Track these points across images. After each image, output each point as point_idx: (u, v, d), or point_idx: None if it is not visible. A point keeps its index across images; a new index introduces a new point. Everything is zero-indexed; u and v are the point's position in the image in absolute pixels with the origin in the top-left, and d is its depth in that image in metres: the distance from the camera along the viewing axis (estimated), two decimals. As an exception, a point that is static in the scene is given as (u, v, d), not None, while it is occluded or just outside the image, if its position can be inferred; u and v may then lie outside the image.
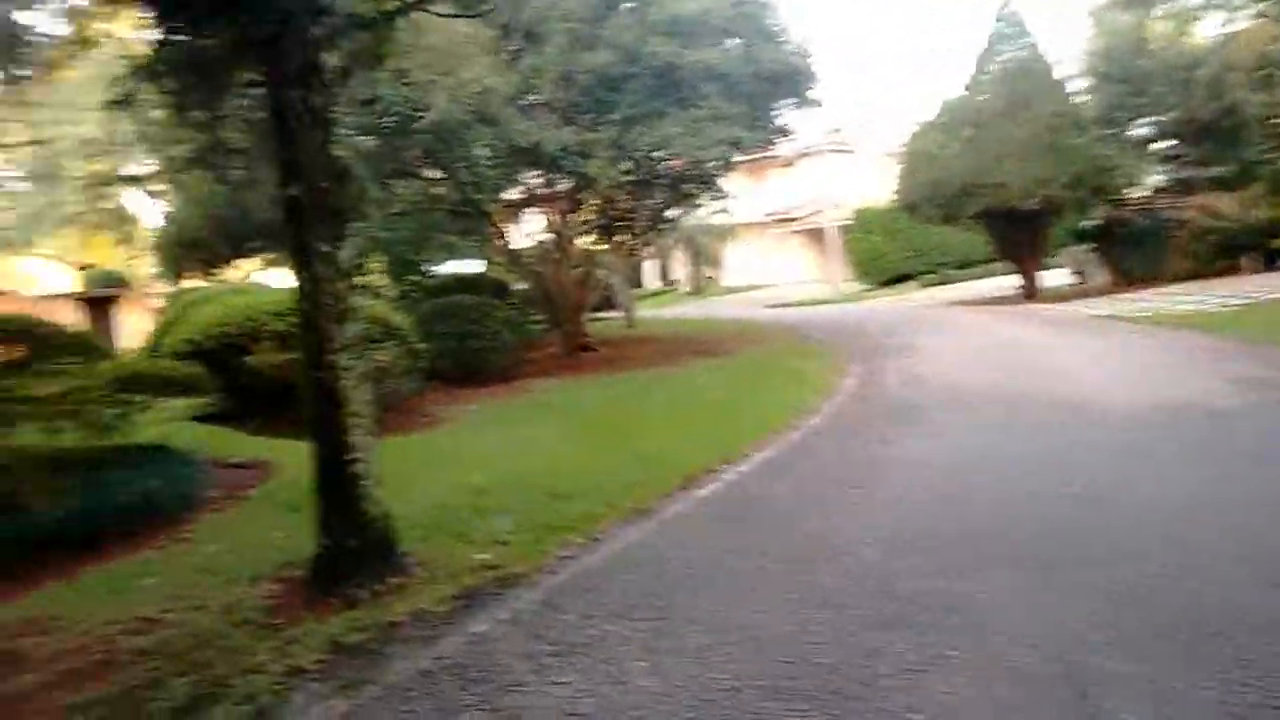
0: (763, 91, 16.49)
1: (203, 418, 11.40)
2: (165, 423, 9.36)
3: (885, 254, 33.19)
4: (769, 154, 37.15)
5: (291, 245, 5.18)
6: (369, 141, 14.02)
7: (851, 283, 34.28)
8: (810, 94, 17.90)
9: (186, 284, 16.31)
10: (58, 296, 32.86)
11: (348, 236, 5.30)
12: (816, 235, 38.77)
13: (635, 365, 15.56)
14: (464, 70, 13.59)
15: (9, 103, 22.83)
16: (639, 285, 39.80)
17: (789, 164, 38.97)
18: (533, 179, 17.27)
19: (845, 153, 38.97)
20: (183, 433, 10.17)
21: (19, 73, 18.19)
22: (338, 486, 5.18)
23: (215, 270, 16.35)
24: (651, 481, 7.14)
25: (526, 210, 19.90)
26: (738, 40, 16.36)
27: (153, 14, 5.88)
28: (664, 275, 42.78)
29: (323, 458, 5.23)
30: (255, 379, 10.80)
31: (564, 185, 17.56)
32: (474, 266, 19.08)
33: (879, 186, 35.32)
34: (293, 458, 9.43)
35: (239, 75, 5.78)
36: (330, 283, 5.10)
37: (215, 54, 5.44)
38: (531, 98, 15.52)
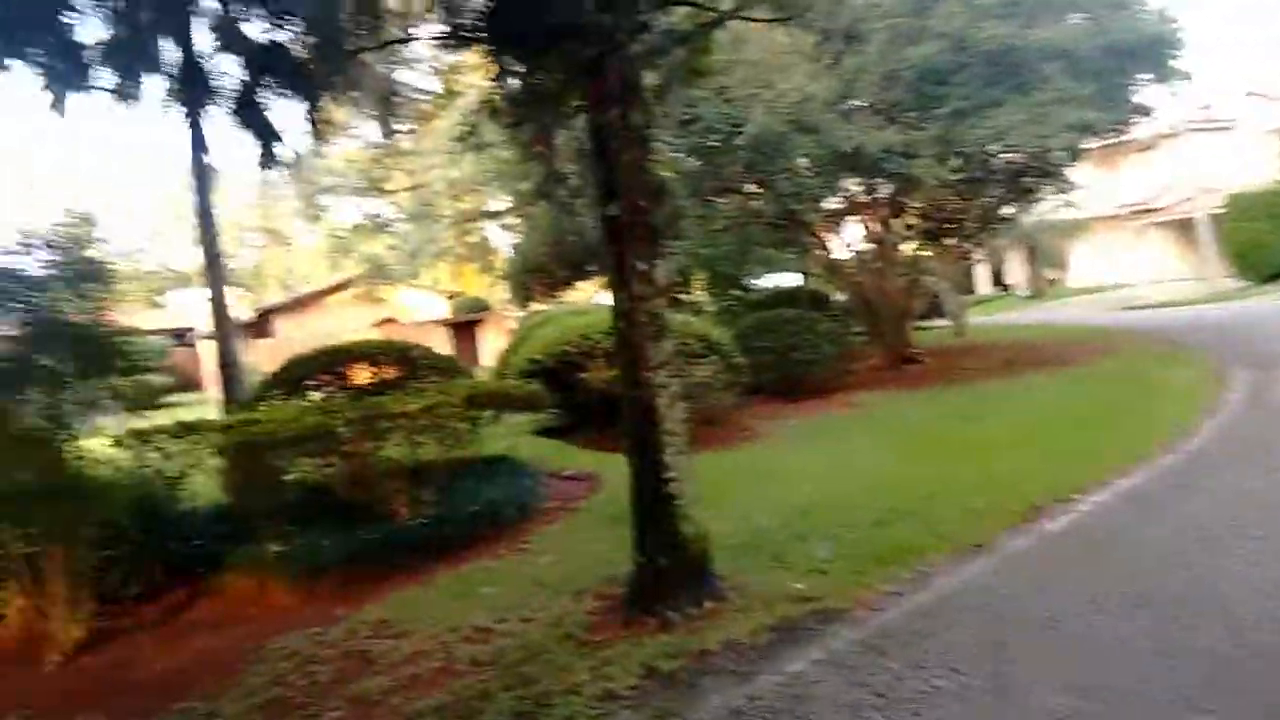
0: (1115, 67, 14.59)
1: (543, 431, 12.29)
2: (508, 437, 10.13)
3: (1271, 244, 28.01)
4: (1123, 138, 33.30)
5: (611, 264, 5.24)
6: (690, 161, 14.37)
7: (1228, 279, 29.43)
8: (1174, 65, 15.57)
9: (536, 307, 17.75)
10: (431, 322, 37.60)
11: (666, 254, 5.27)
12: (1183, 226, 33.80)
13: (966, 377, 14.41)
14: (782, 80, 13.46)
15: (391, 152, 26.40)
16: (970, 291, 37.28)
17: (1148, 147, 34.41)
18: (854, 185, 16.71)
19: (1220, 130, 33.72)
20: (523, 446, 10.96)
21: (396, 125, 20.96)
22: (653, 505, 5.14)
23: (558, 293, 17.64)
24: (989, 510, 6.41)
25: (847, 218, 19.29)
26: (1081, 16, 14.66)
27: (492, 50, 6.31)
28: (998, 279, 39.72)
29: (639, 475, 5.23)
30: (588, 395, 11.37)
31: (886, 190, 16.84)
32: (793, 279, 18.92)
33: (1262, 167, 30.20)
34: (619, 470, 9.80)
35: (567, 102, 6.03)
36: (646, 301, 5.09)
37: (546, 84, 5.67)
38: (852, 101, 15.02)
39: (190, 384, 40.86)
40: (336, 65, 10.65)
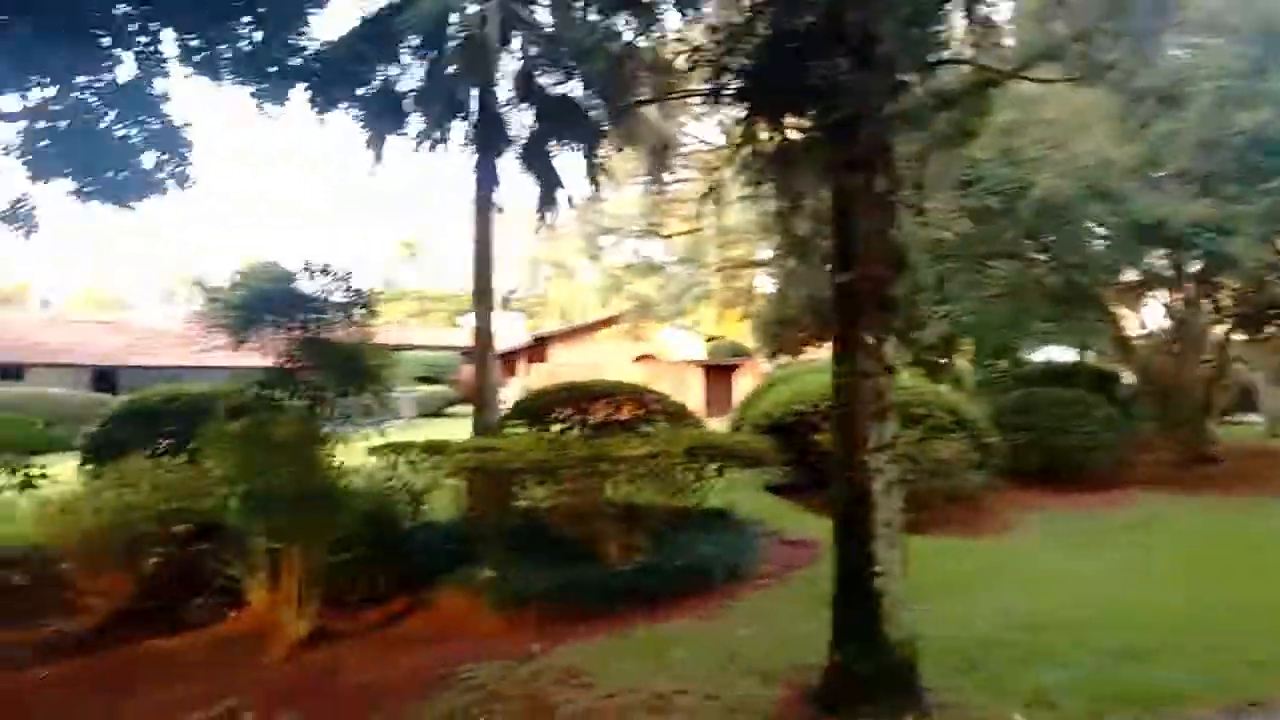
0: None
1: (774, 488, 11.98)
2: (736, 490, 9.95)
3: None
4: None
5: (837, 333, 4.94)
6: (964, 222, 13.56)
7: None
8: None
9: (785, 359, 17.50)
10: (689, 362, 38.30)
11: (906, 326, 4.89)
12: None
13: (1268, 489, 12.31)
14: (1079, 142, 12.36)
15: (670, 199, 27.33)
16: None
17: None
18: (1157, 260, 14.99)
19: None
20: (749, 502, 10.71)
21: (677, 174, 21.67)
22: (856, 600, 4.74)
23: (807, 348, 17.27)
24: (1273, 662, 5.31)
25: (1147, 294, 17.32)
26: None
27: (747, 107, 6.25)
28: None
29: (844, 563, 4.85)
30: (822, 456, 10.92)
31: (1194, 266, 14.97)
32: (1070, 354, 17.17)
33: None
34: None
35: (815, 163, 5.83)
36: (871, 378, 4.74)
37: (796, 143, 5.51)
38: (1163, 170, 13.52)
39: (471, 399, 44.70)
40: (615, 117, 11.20)
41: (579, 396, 10.15)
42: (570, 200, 13.94)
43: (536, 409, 10.31)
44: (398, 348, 42.70)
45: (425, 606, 7.09)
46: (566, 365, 39.10)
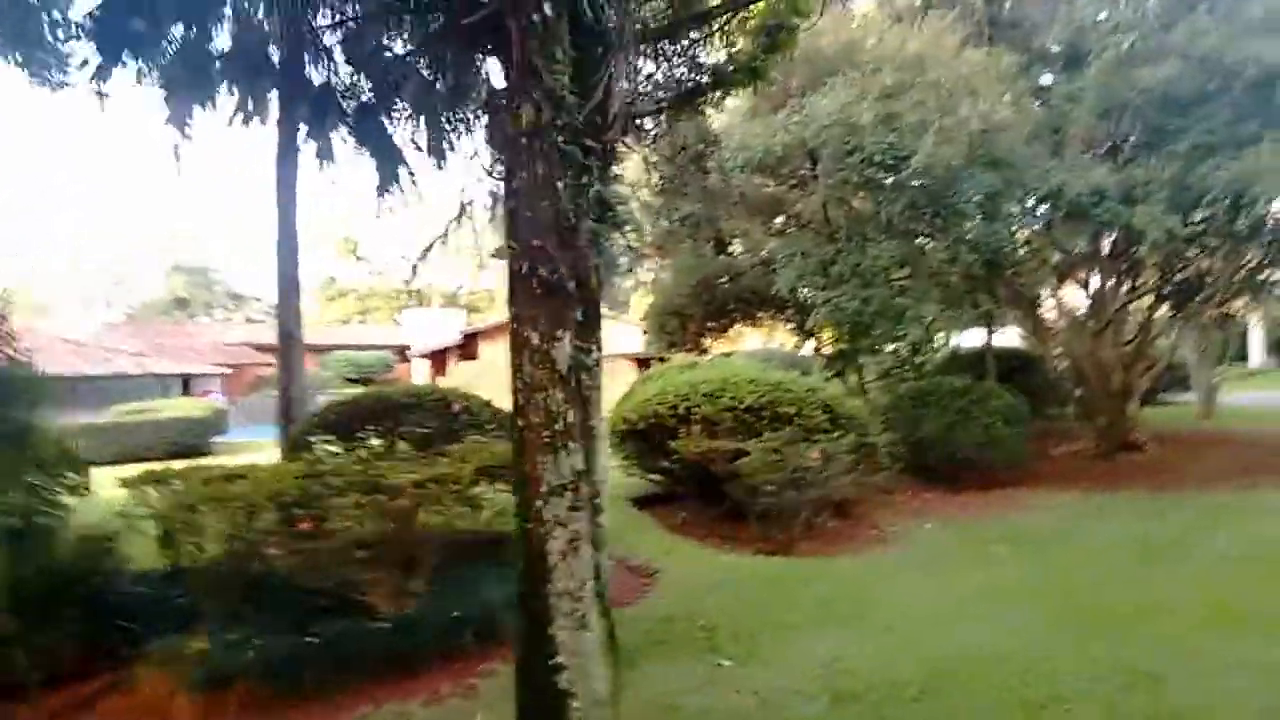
0: None
1: (642, 500, 10.70)
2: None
3: None
4: None
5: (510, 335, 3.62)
6: (857, 201, 12.37)
7: None
8: None
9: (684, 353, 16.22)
10: (623, 356, 36.96)
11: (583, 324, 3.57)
12: None
13: (1196, 479, 11.26)
14: (968, 106, 11.18)
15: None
16: (1241, 360, 31.59)
17: None
18: (1065, 234, 13.90)
19: None
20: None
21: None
22: (537, 703, 3.42)
23: (707, 339, 16.01)
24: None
25: (1069, 272, 16.24)
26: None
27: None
28: (1278, 349, 33.51)
29: (522, 650, 3.53)
30: (684, 463, 9.69)
31: (1109, 241, 13.96)
32: (1004, 340, 16.01)
33: None
34: (696, 562, 8.04)
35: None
36: (540, 391, 3.41)
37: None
38: (1060, 134, 12.42)
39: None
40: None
41: (390, 406, 8.75)
42: (414, 179, 12.55)
43: (344, 421, 8.90)
44: (327, 348, 40.93)
45: (124, 687, 5.69)
46: (496, 363, 37.74)
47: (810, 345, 15.52)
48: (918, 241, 11.87)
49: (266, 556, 6.42)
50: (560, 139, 3.38)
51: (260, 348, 42.96)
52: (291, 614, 5.97)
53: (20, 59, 9.14)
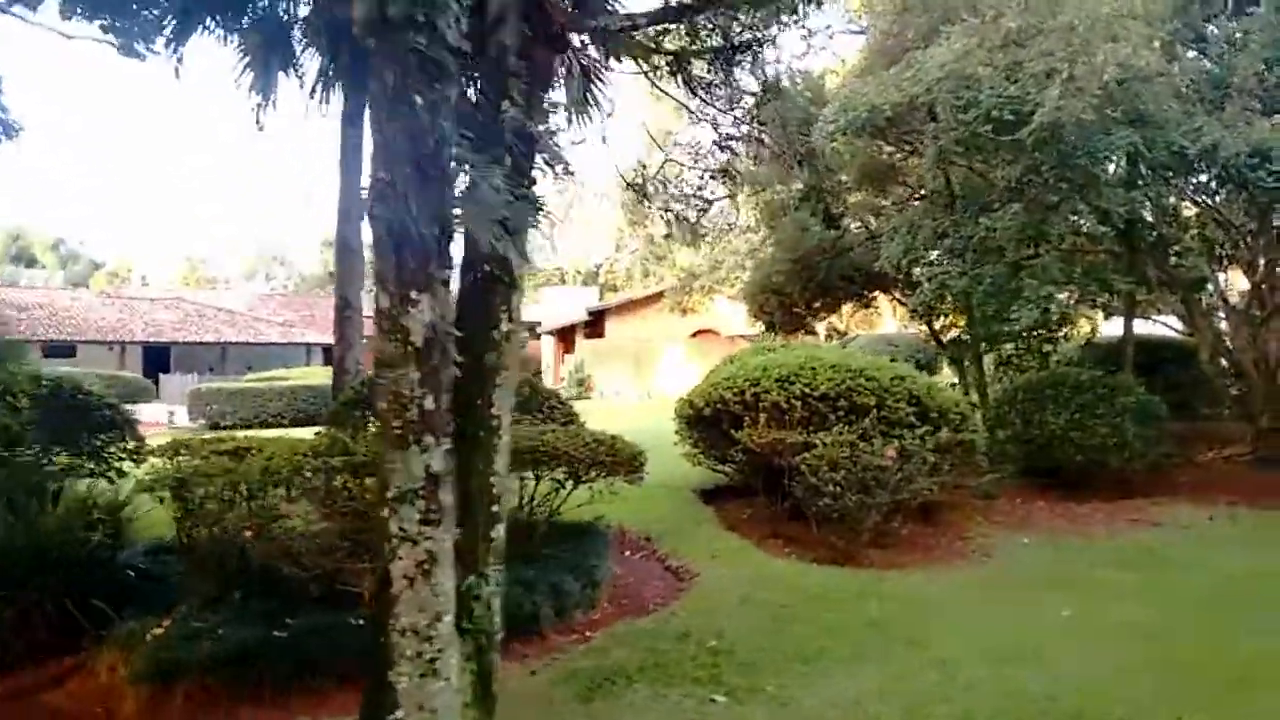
0: None
1: (711, 492, 9.88)
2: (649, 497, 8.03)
3: None
4: None
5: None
6: (963, 161, 11.00)
7: None
8: None
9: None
10: (742, 337, 35.93)
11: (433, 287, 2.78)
12: None
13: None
14: (1102, 52, 9.63)
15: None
16: None
17: None
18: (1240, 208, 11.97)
19: None
20: (662, 510, 8.75)
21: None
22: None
23: (810, 320, 14.86)
24: None
25: (1233, 250, 14.13)
26: None
27: None
28: None
29: (363, 705, 2.81)
30: (747, 457, 8.79)
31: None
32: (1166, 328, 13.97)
33: None
34: (738, 568, 7.16)
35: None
36: (389, 369, 2.66)
37: None
38: (1221, 86, 10.60)
39: (532, 374, 43.53)
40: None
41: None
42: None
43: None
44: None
45: (88, 669, 5.38)
46: (621, 341, 37.38)
47: (928, 331, 14.11)
48: (1040, 211, 10.34)
49: (247, 539, 6.03)
50: (420, 39, 2.59)
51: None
52: (276, 602, 5.55)
53: (107, 26, 9.08)
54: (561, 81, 9.14)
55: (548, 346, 42.77)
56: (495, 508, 3.21)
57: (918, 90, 10.90)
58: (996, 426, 10.62)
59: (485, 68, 3.16)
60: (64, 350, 29.79)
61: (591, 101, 10.34)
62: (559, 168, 3.34)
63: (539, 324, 45.52)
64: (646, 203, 29.43)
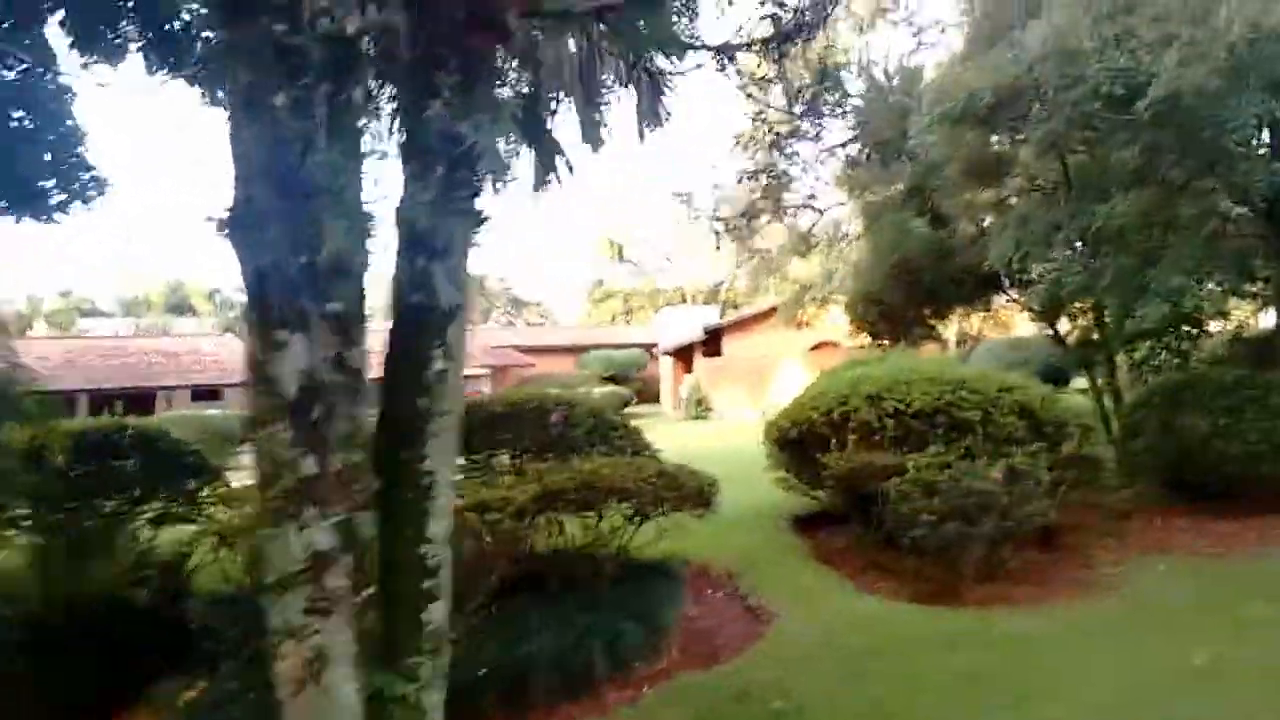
0: None
1: (807, 520, 9.21)
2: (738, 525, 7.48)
3: None
4: None
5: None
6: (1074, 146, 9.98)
7: None
8: None
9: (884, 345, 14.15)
10: (865, 347, 34.57)
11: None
12: None
13: None
14: (1225, 9, 8.51)
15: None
16: None
17: None
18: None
19: None
20: (752, 543, 8.22)
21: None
22: None
23: (919, 330, 13.82)
24: None
25: None
26: None
27: None
28: None
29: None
30: (835, 483, 8.09)
31: None
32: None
33: None
34: (825, 612, 6.50)
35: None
36: (262, 427, 2.27)
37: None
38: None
39: (651, 397, 43.33)
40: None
41: (487, 417, 7.91)
42: (570, 168, 11.76)
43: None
44: (585, 348, 42.49)
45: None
46: (740, 359, 36.68)
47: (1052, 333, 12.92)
48: (1166, 193, 9.17)
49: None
50: (278, 26, 2.21)
51: (522, 349, 45.13)
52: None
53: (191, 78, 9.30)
54: (628, 89, 8.81)
55: (666, 368, 42.49)
56: (429, 583, 2.77)
57: (1019, 70, 10.01)
58: (1128, 436, 9.48)
59: (411, 62, 2.76)
60: (208, 394, 31.43)
61: (662, 111, 9.91)
62: (498, 177, 2.91)
63: (655, 345, 45.36)
64: (747, 218, 28.69)
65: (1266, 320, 13.72)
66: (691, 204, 31.37)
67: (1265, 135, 8.66)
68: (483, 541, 5.63)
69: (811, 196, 29.08)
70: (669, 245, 60.90)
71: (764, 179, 25.09)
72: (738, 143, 24.96)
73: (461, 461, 7.46)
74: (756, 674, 5.25)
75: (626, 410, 37.70)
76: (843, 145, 19.72)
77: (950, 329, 19.68)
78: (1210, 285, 8.91)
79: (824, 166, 24.31)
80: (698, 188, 46.11)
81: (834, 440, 8.03)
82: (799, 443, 8.61)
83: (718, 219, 33.66)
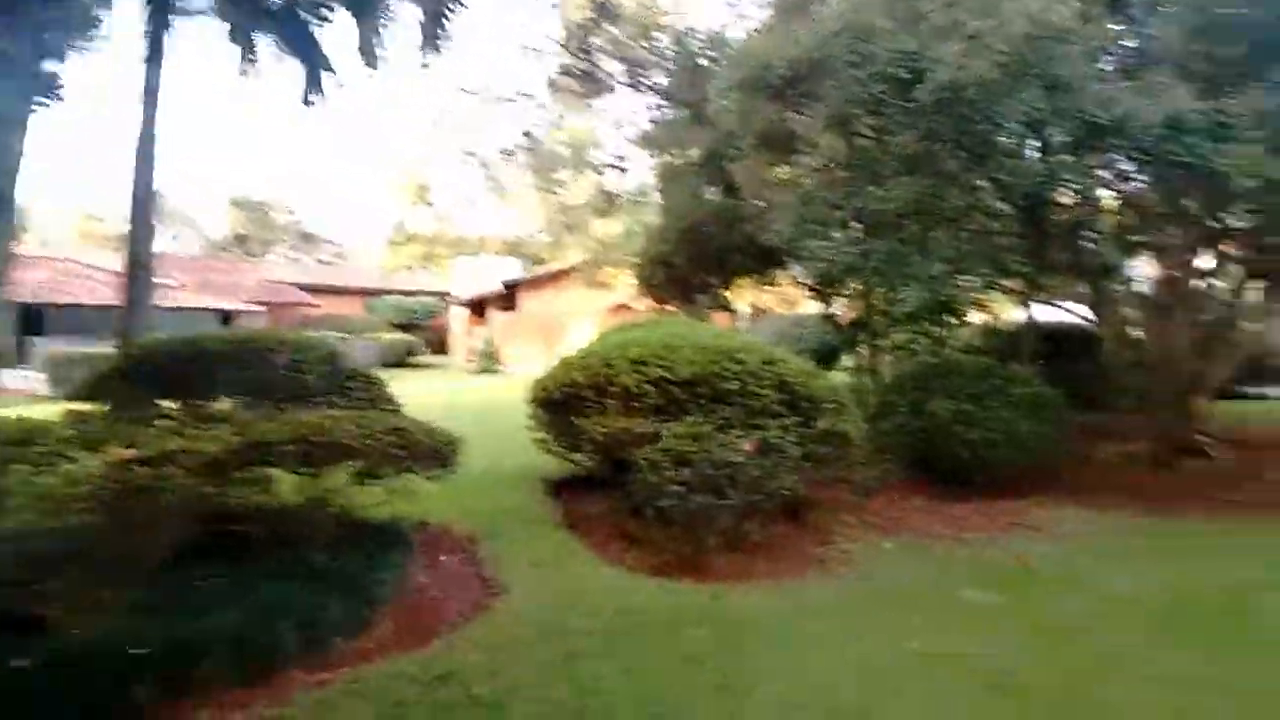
0: None
1: (562, 484, 8.84)
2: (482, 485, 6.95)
3: None
4: None
5: None
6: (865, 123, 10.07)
7: None
8: None
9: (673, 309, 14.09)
10: (667, 311, 34.90)
11: None
12: None
13: (1265, 501, 8.78)
14: (1011, 4, 8.73)
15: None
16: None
17: None
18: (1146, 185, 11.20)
19: None
20: (500, 503, 7.73)
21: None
22: None
23: (692, 296, 13.82)
24: None
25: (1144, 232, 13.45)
26: None
27: None
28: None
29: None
30: (594, 448, 7.75)
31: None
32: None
33: None
34: (562, 584, 6.11)
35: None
36: None
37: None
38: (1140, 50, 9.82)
39: (441, 348, 41.82)
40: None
41: (201, 354, 6.92)
42: (339, 83, 10.74)
43: (148, 372, 7.03)
44: (378, 292, 40.10)
45: None
46: (537, 315, 36.06)
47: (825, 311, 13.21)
48: (936, 182, 9.41)
49: None
50: None
51: (306, 287, 42.35)
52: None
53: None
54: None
55: (460, 319, 41.20)
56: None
57: (814, 44, 9.95)
58: (880, 417, 9.76)
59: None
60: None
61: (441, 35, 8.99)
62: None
63: (451, 295, 43.81)
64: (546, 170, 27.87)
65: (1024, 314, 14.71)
66: (505, 154, 30.26)
67: (1028, 132, 8.97)
68: (161, 498, 4.79)
69: (620, 157, 28.82)
70: (478, 195, 58.94)
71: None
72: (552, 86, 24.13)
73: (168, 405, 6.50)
74: (469, 654, 4.77)
75: (413, 359, 36.30)
76: (655, 108, 19.49)
77: (744, 301, 20.01)
78: (969, 277, 9.20)
79: (634, 128, 24.07)
80: (511, 137, 44.71)
81: (597, 404, 7.65)
82: (561, 404, 8.18)
83: (526, 170, 32.77)
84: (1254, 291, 12.94)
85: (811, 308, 27.15)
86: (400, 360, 34.91)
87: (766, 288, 15.55)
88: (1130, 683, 4.59)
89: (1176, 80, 9.13)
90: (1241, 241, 11.71)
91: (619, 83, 21.20)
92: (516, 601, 5.69)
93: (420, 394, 14.89)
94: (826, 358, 14.97)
